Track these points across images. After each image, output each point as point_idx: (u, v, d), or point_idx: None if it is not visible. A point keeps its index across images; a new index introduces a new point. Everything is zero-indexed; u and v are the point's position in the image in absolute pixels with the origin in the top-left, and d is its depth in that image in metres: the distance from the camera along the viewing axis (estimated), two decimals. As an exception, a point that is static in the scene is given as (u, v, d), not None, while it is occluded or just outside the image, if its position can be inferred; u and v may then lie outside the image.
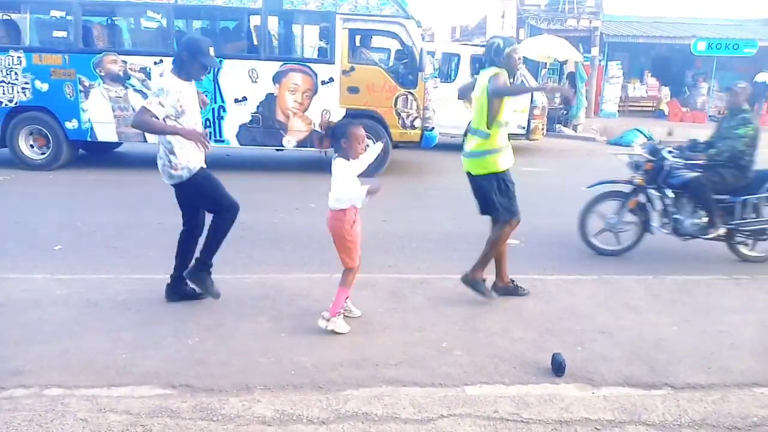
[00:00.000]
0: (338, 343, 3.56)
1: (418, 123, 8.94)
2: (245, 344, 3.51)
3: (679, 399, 3.09)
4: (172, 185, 3.89)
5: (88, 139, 8.83)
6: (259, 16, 8.84)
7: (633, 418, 2.89)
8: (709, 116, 19.06)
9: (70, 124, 8.65)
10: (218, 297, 4.02)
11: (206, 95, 8.46)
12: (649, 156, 5.47)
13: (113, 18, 9.56)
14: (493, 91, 3.99)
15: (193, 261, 4.01)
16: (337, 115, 8.81)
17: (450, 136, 11.07)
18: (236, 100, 8.78)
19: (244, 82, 8.72)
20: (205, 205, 3.99)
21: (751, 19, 20.84)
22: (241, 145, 9.06)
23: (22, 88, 8.52)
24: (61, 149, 8.74)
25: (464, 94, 4.48)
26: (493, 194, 4.17)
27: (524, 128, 12.13)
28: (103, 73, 8.55)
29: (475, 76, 4.41)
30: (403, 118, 8.96)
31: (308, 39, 10.41)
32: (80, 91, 8.56)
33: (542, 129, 12.74)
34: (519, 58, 4.20)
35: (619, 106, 18.98)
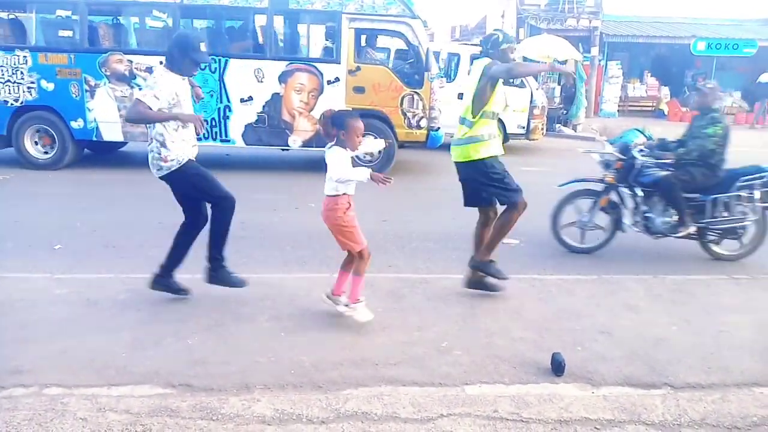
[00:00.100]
0: (338, 342, 3.56)
1: (424, 123, 8.92)
2: (245, 344, 3.51)
3: (679, 399, 3.09)
4: (161, 178, 3.88)
5: (94, 139, 8.82)
6: (265, 16, 8.83)
7: (633, 418, 2.89)
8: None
9: (76, 124, 8.65)
10: (244, 285, 4.05)
11: (211, 93, 8.68)
12: (620, 155, 5.51)
13: (119, 17, 9.57)
14: (497, 72, 4.01)
15: (207, 263, 4.03)
16: None
17: (450, 135, 11.06)
18: (242, 100, 8.77)
19: (249, 82, 8.72)
20: (199, 196, 3.99)
21: (750, 19, 20.85)
22: (246, 144, 9.05)
23: (28, 88, 8.52)
24: (67, 149, 8.75)
25: None
26: (480, 184, 4.20)
27: (524, 128, 12.13)
28: (108, 73, 8.55)
29: None
30: (409, 118, 8.94)
31: (314, 38, 10.41)
32: (86, 91, 8.55)
33: (542, 129, 12.74)
34: (514, 58, 4.22)
35: (618, 105, 19.00)
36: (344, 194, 3.63)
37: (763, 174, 5.29)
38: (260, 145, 9.14)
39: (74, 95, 8.55)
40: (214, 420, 2.74)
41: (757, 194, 5.27)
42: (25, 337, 3.48)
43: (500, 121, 11.64)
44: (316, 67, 8.82)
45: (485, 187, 4.20)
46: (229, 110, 8.80)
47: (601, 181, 5.55)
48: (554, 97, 16.50)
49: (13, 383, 3.01)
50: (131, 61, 8.53)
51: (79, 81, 8.52)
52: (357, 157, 8.85)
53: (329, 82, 8.79)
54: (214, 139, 8.92)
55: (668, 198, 5.35)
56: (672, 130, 16.06)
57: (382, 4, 8.69)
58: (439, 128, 9.13)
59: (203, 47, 3.83)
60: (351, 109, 8.71)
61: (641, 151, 5.47)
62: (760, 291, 4.78)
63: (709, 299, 4.53)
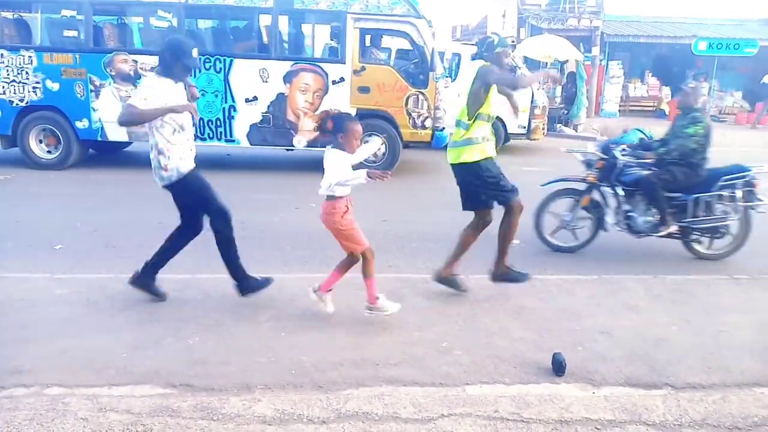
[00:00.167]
0: (338, 342, 3.57)
1: (428, 123, 8.90)
2: (245, 344, 3.51)
3: (680, 399, 3.09)
4: (163, 187, 3.90)
5: (99, 139, 8.83)
6: (270, 16, 8.83)
7: (633, 418, 2.89)
8: (710, 116, 19.05)
9: (81, 124, 8.66)
10: (270, 282, 4.09)
11: (215, 93, 8.68)
12: (601, 154, 5.53)
13: (124, 17, 9.58)
14: (501, 81, 4.05)
15: (234, 281, 4.06)
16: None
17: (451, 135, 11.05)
18: (247, 100, 8.77)
19: (254, 82, 8.71)
20: (198, 208, 4.00)
21: (751, 19, 20.82)
22: (251, 144, 9.05)
23: (33, 88, 8.53)
24: (72, 148, 8.76)
25: None
26: (476, 187, 4.20)
27: (525, 128, 12.12)
28: (113, 73, 8.56)
29: None
30: (413, 118, 8.92)
31: (319, 38, 10.39)
32: (91, 91, 8.56)
33: (543, 129, 12.73)
34: (507, 63, 4.22)
35: (619, 105, 18.98)
36: (341, 197, 3.62)
37: (744, 174, 5.31)
38: (265, 145, 9.13)
39: (79, 95, 8.56)
40: (215, 420, 2.74)
41: (738, 193, 5.29)
42: (26, 337, 3.49)
43: (501, 121, 11.67)
44: (321, 67, 8.81)
45: (481, 189, 4.20)
46: (234, 110, 8.80)
47: (583, 180, 5.57)
48: (555, 97, 16.48)
49: (13, 383, 3.01)
50: (136, 61, 8.53)
51: (84, 81, 8.53)
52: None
53: (334, 82, 8.78)
54: (219, 139, 8.92)
55: (649, 197, 5.36)
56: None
57: (387, 4, 8.67)
58: (443, 128, 9.11)
59: (195, 53, 3.84)
60: (356, 109, 8.76)
61: (622, 150, 5.49)
62: (760, 291, 4.78)
63: (709, 299, 4.52)
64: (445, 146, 4.32)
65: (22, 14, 9.07)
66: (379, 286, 4.32)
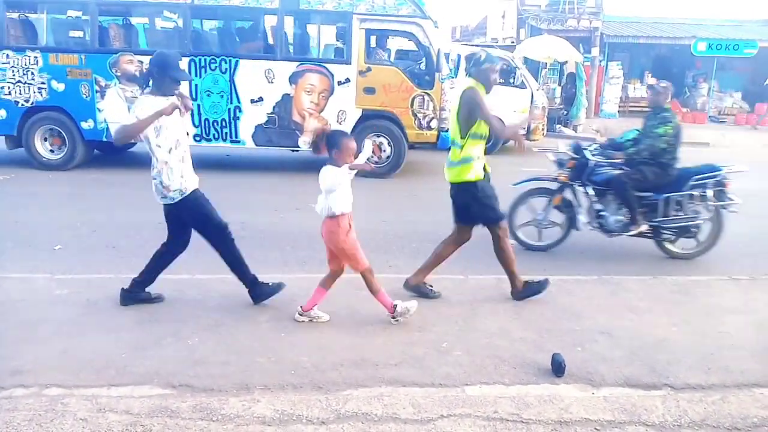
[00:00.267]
0: (338, 343, 3.56)
1: (434, 124, 8.88)
2: (245, 344, 3.51)
3: (679, 399, 3.09)
4: (165, 205, 3.90)
5: (104, 139, 8.82)
6: (276, 16, 8.83)
7: (633, 419, 2.89)
8: (709, 117, 19.07)
9: (86, 124, 8.67)
10: (283, 287, 4.09)
11: (221, 94, 8.66)
12: (572, 154, 5.55)
13: (129, 18, 9.58)
14: (473, 109, 3.99)
15: (246, 287, 4.07)
16: (353, 115, 8.81)
17: None
18: (252, 101, 8.77)
19: (260, 83, 8.72)
20: (197, 227, 4.00)
21: (751, 19, 20.84)
22: (257, 145, 9.04)
23: (39, 88, 8.53)
24: (77, 149, 8.77)
25: None
26: (469, 205, 4.20)
27: (524, 128, 12.13)
28: (119, 73, 8.51)
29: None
30: (419, 119, 8.91)
31: (325, 39, 10.38)
32: (96, 91, 8.56)
33: (542, 129, 12.75)
34: (495, 79, 4.13)
35: (619, 106, 18.98)
36: (343, 214, 3.62)
37: (715, 173, 5.32)
38: (270, 146, 9.12)
39: (84, 96, 8.57)
40: (215, 420, 2.74)
41: (709, 193, 5.30)
42: (25, 338, 3.48)
43: (501, 121, 11.67)
44: (326, 68, 8.81)
45: (474, 207, 4.20)
46: (240, 111, 8.80)
47: (555, 179, 5.60)
48: (555, 98, 16.50)
49: (13, 383, 3.01)
50: (142, 62, 8.50)
51: (89, 81, 8.54)
52: (367, 159, 8.87)
53: (340, 83, 8.78)
54: (224, 140, 8.92)
55: (620, 197, 5.38)
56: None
57: (393, 5, 8.67)
58: (449, 129, 9.11)
59: (182, 65, 3.83)
60: (362, 110, 8.75)
61: (593, 150, 5.52)
62: (760, 291, 4.77)
63: (710, 300, 4.52)
64: (449, 148, 4.31)
65: (27, 15, 9.08)
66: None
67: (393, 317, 3.80)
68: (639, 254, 5.60)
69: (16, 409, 2.77)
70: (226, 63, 8.62)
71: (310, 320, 3.83)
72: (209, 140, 8.81)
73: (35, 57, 8.46)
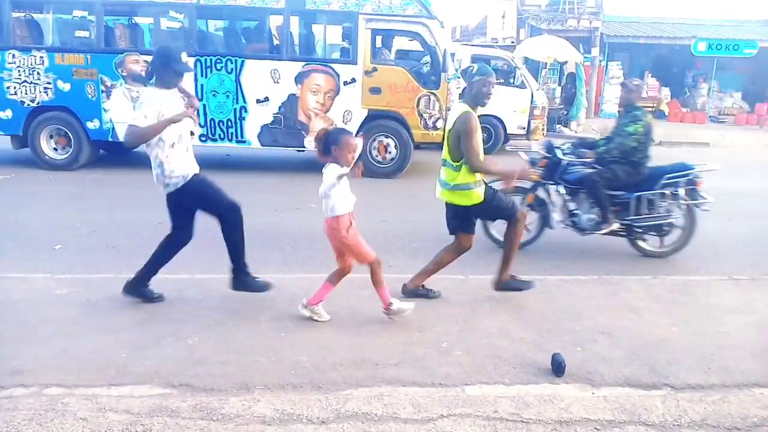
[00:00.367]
0: (338, 342, 3.56)
1: (440, 124, 8.85)
2: (245, 344, 3.51)
3: (679, 399, 3.09)
4: (169, 194, 3.90)
5: (110, 139, 8.83)
6: (282, 16, 8.82)
7: (633, 419, 2.89)
8: (709, 117, 19.08)
9: (92, 124, 8.67)
10: (268, 289, 4.06)
11: (227, 94, 8.67)
12: (545, 153, 5.56)
13: (135, 18, 9.58)
14: (461, 138, 3.91)
15: (231, 273, 4.05)
16: (359, 115, 8.81)
17: None
18: (258, 101, 8.77)
19: (266, 83, 8.71)
20: (206, 209, 3.99)
21: (751, 19, 20.85)
22: (262, 145, 9.05)
23: (44, 88, 8.53)
24: (82, 149, 8.78)
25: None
26: (467, 221, 4.18)
27: (524, 128, 12.14)
28: (125, 73, 8.57)
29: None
30: (425, 119, 8.91)
31: (330, 39, 10.38)
32: (102, 91, 8.57)
33: (542, 129, 12.75)
34: (487, 92, 4.00)
35: (618, 106, 18.99)
36: (343, 214, 3.62)
37: (687, 172, 5.33)
38: (276, 146, 9.12)
39: (90, 96, 8.58)
40: (215, 420, 2.74)
41: (681, 191, 5.31)
42: (26, 337, 3.48)
43: (500, 121, 11.69)
44: (332, 68, 8.81)
45: (475, 220, 4.19)
46: (245, 111, 8.80)
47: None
48: (555, 98, 16.50)
49: (13, 383, 3.01)
50: (147, 62, 8.51)
51: (95, 81, 8.54)
52: (372, 159, 8.96)
53: (345, 83, 8.78)
54: (230, 140, 8.93)
55: (592, 195, 5.39)
56: (671, 131, 15.98)
57: (399, 5, 8.66)
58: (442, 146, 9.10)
59: (184, 57, 3.84)
60: (367, 110, 8.75)
61: (564, 149, 5.54)
62: (760, 291, 4.77)
63: (709, 300, 4.52)
64: (440, 147, 4.28)
65: (33, 15, 9.09)
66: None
67: (386, 312, 3.81)
68: (638, 254, 5.60)
69: (17, 408, 2.77)
70: (231, 63, 8.62)
71: (311, 316, 3.82)
72: (215, 140, 8.82)
73: (41, 57, 8.46)
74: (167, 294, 4.10)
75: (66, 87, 8.53)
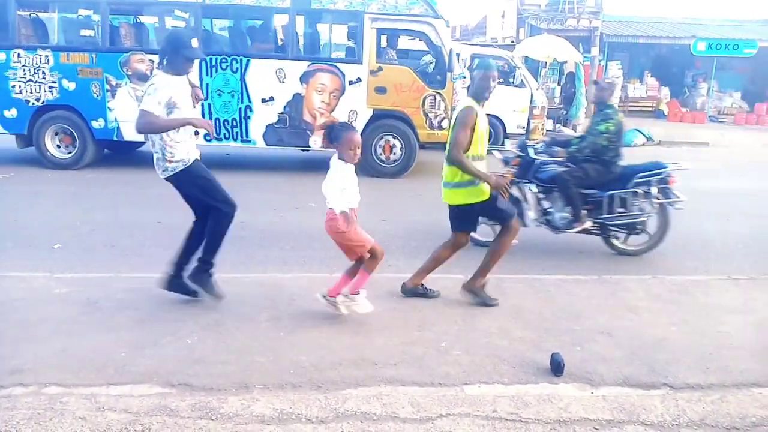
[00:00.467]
0: (337, 342, 3.56)
1: (445, 124, 8.83)
2: (244, 343, 3.51)
3: (678, 399, 3.09)
4: (166, 179, 3.87)
5: (115, 139, 8.83)
6: (287, 16, 8.82)
7: (632, 418, 2.89)
8: (709, 116, 19.08)
9: (97, 123, 8.67)
10: (221, 299, 4.01)
11: (232, 93, 8.67)
12: (518, 152, 5.59)
13: (140, 17, 9.58)
14: (451, 156, 3.93)
15: (196, 262, 4.00)
16: (364, 115, 8.81)
17: None
18: (263, 100, 8.77)
19: (271, 82, 8.71)
20: (201, 197, 3.95)
21: (751, 19, 20.86)
22: (267, 145, 9.04)
23: (50, 87, 8.53)
24: (87, 148, 8.77)
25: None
26: (469, 220, 4.17)
27: (524, 128, 12.14)
28: (130, 72, 8.56)
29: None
30: (430, 119, 8.90)
31: (336, 39, 10.37)
32: (107, 90, 8.57)
33: (542, 129, 12.75)
34: (488, 86, 3.98)
35: (619, 106, 19.00)
36: (343, 212, 3.61)
37: (660, 171, 5.34)
38: (281, 145, 9.11)
39: (95, 95, 8.58)
40: (213, 419, 2.74)
41: (654, 190, 5.32)
42: (25, 336, 3.48)
43: (500, 121, 11.68)
44: (337, 68, 8.80)
45: (476, 219, 4.17)
46: (250, 110, 8.79)
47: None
48: (554, 98, 16.50)
49: (12, 382, 3.01)
50: (152, 61, 8.52)
51: (100, 80, 8.54)
52: (377, 158, 8.96)
53: (351, 83, 8.77)
54: (235, 140, 8.93)
55: (563, 194, 5.40)
56: (671, 131, 16.00)
57: (405, 4, 8.65)
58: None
59: (195, 43, 3.82)
60: (373, 109, 8.76)
61: (538, 148, 5.57)
62: (760, 291, 4.78)
63: (709, 299, 4.53)
64: (441, 147, 4.29)
65: (38, 14, 9.08)
66: (379, 285, 4.33)
67: (326, 297, 3.77)
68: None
69: (16, 407, 2.77)
70: (237, 62, 8.62)
71: (336, 306, 3.78)
72: (220, 140, 8.82)
73: (46, 56, 8.46)
74: (167, 294, 4.09)
75: (71, 86, 8.53)
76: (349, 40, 9.86)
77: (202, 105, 8.48)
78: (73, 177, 8.40)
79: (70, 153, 8.79)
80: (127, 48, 8.66)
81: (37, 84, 8.49)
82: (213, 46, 9.17)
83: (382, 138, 8.94)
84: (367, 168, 8.70)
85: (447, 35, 8.92)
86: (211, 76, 8.62)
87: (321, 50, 9.80)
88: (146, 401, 2.86)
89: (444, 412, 2.86)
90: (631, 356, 3.53)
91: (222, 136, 8.82)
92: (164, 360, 3.27)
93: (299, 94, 8.77)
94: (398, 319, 3.92)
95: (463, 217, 4.20)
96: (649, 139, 14.73)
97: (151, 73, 8.48)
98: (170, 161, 3.78)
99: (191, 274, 4.00)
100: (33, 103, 8.56)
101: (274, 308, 4.00)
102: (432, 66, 9.20)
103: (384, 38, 9.57)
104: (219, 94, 8.68)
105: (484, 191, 4.03)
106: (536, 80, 14.56)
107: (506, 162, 5.68)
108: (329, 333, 3.67)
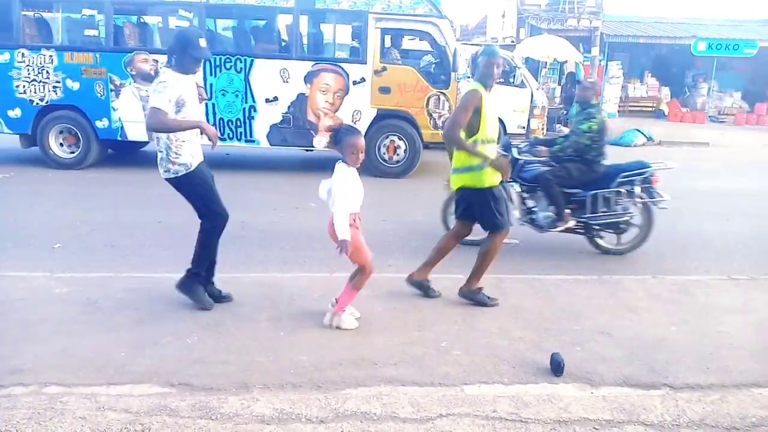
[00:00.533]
0: (337, 342, 3.56)
1: None
2: (244, 343, 3.51)
3: (678, 399, 3.09)
4: (167, 180, 3.86)
5: (119, 138, 8.82)
6: (291, 16, 8.81)
7: (632, 418, 2.89)
8: (709, 116, 19.08)
9: (101, 123, 8.67)
10: (210, 307, 3.96)
11: (236, 93, 8.67)
12: (502, 151, 5.56)
13: (144, 17, 9.58)
14: (446, 133, 3.97)
15: (185, 271, 3.98)
16: (368, 115, 8.80)
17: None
18: (267, 100, 8.76)
19: (275, 82, 8.70)
20: (196, 205, 3.94)
21: (751, 19, 20.85)
22: (271, 145, 9.04)
23: (54, 87, 8.53)
24: (91, 148, 8.77)
25: None
26: (477, 207, 4.14)
27: (524, 128, 12.13)
28: (134, 72, 8.56)
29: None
30: (434, 119, 8.88)
31: (340, 38, 10.36)
32: (111, 90, 8.57)
33: (542, 128, 12.74)
34: (492, 73, 3.99)
35: (619, 106, 18.99)
36: (349, 212, 3.60)
37: (643, 170, 5.34)
38: (285, 145, 9.11)
39: (99, 95, 8.57)
40: (213, 419, 2.74)
41: (637, 189, 5.33)
42: (25, 336, 3.48)
43: (500, 121, 11.67)
44: (341, 68, 8.79)
45: (483, 211, 4.15)
46: (254, 110, 8.79)
47: None
48: (554, 97, 16.51)
49: (12, 382, 3.01)
50: (157, 61, 8.52)
51: (104, 80, 8.54)
52: (381, 158, 8.95)
53: (355, 83, 8.76)
54: (239, 140, 8.92)
55: (546, 193, 5.41)
56: (671, 131, 16.01)
57: (409, 4, 8.63)
58: None
59: (203, 43, 3.81)
60: (377, 109, 8.75)
61: (522, 147, 5.58)
62: (760, 291, 4.78)
63: (709, 299, 4.53)
64: (441, 146, 4.30)
65: (43, 13, 9.08)
66: (379, 285, 4.34)
67: (333, 306, 3.76)
68: (638, 254, 5.60)
69: (16, 407, 2.77)
70: (241, 62, 8.61)
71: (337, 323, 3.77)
72: (224, 140, 8.80)
73: (50, 56, 8.45)
74: (167, 293, 4.10)
75: (75, 86, 8.53)
76: (353, 40, 9.86)
77: (206, 105, 8.48)
78: (74, 177, 8.40)
79: (73, 153, 8.79)
80: (131, 48, 8.66)
81: (41, 84, 8.49)
82: (217, 46, 9.16)
83: (386, 138, 8.93)
84: (371, 168, 8.70)
85: (451, 35, 8.90)
86: (215, 76, 8.62)
87: (325, 50, 9.79)
88: (146, 401, 2.87)
89: (444, 412, 2.86)
90: (631, 356, 3.53)
91: (226, 136, 8.82)
92: (164, 360, 3.27)
93: (303, 94, 8.76)
94: (398, 319, 3.92)
95: (468, 204, 4.18)
96: (649, 139, 14.74)
97: (155, 73, 8.52)
98: (173, 163, 3.78)
99: (179, 282, 3.98)
100: (37, 103, 8.56)
101: (274, 308, 4.00)
102: (432, 65, 9.19)
103: (388, 38, 9.57)
104: (223, 94, 8.68)
105: (484, 178, 4.02)
106: (536, 80, 14.55)
107: None
108: (329, 333, 3.67)
